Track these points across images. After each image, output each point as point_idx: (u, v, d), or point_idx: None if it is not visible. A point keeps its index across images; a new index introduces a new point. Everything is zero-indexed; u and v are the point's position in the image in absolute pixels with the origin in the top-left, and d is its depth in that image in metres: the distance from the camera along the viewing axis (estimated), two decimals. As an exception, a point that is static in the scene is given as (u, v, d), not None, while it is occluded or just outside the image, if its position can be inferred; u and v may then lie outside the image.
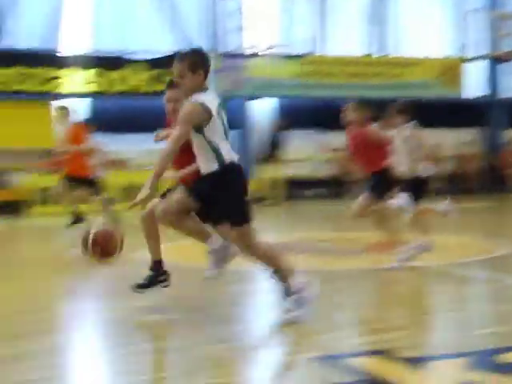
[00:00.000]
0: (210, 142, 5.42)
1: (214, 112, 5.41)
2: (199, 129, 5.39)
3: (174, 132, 5.42)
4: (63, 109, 11.83)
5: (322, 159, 20.61)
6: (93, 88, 18.85)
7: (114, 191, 16.66)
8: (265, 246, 5.62)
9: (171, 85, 6.11)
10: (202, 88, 5.48)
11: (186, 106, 5.43)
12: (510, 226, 13.63)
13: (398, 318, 5.91)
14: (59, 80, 18.40)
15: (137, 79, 19.07)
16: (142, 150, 17.86)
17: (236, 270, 6.90)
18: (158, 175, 5.37)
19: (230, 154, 5.48)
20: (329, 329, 5.44)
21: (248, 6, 21.07)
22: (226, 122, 5.54)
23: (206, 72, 5.51)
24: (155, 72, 18.94)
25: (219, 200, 5.49)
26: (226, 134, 5.51)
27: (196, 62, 5.46)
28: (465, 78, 23.03)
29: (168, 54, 18.61)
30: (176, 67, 5.48)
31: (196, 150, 5.52)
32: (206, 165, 5.48)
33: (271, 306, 6.34)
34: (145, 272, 6.22)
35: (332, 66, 21.14)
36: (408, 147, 8.19)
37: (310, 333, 5.30)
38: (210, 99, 5.45)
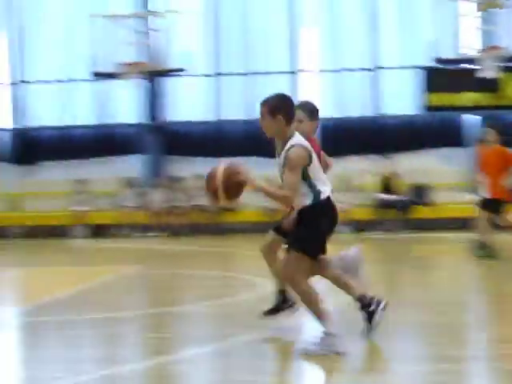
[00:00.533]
0: (307, 180, 5.65)
1: (313, 155, 5.67)
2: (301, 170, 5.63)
3: (288, 179, 5.61)
4: (493, 127, 12.12)
5: None
6: None
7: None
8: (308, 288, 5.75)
9: (297, 106, 6.13)
10: (286, 132, 5.66)
11: (294, 152, 5.59)
12: None
13: None
14: None
15: None
16: None
17: None
18: (266, 195, 5.63)
19: (324, 188, 5.72)
20: None
21: None
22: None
23: (287, 117, 5.67)
24: None
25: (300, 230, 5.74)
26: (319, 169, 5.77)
27: (275, 106, 5.66)
28: None
29: None
30: (260, 110, 5.75)
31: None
32: (301, 200, 5.70)
33: None
34: None
35: None
36: None
37: None
38: (306, 143, 5.68)
